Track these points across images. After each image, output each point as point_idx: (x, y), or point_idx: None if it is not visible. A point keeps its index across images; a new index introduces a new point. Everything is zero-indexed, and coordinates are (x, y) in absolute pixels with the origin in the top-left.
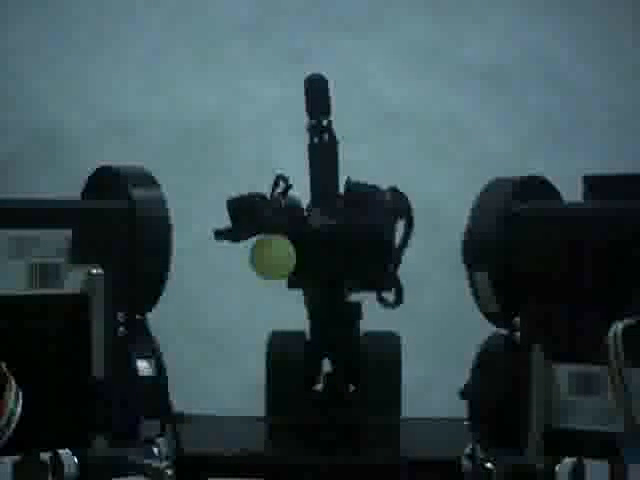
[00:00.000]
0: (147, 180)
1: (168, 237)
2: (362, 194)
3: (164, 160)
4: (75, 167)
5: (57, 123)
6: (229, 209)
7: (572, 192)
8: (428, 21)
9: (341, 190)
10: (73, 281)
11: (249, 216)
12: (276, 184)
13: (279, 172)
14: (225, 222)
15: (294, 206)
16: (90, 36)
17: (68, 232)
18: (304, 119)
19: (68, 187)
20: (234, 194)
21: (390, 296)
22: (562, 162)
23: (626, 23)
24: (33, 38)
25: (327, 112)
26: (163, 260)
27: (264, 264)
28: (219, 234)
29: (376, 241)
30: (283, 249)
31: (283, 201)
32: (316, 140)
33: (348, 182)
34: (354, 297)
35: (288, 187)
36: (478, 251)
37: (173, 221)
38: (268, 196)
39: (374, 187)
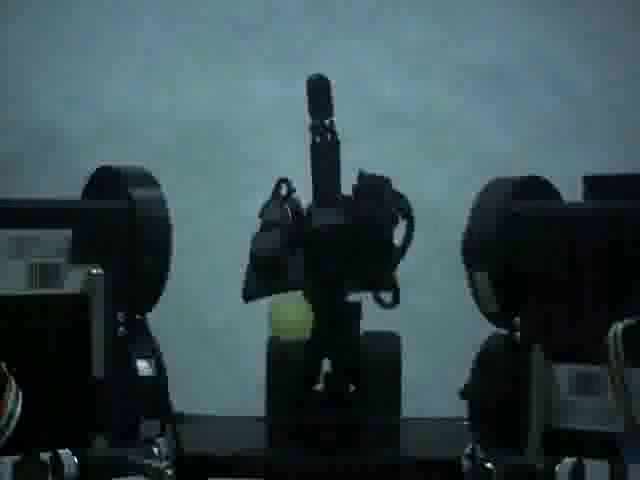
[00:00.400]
0: (147, 180)
1: (168, 237)
2: (372, 185)
3: (164, 160)
4: (75, 167)
5: (57, 123)
6: (252, 262)
7: (572, 192)
8: (428, 21)
9: (345, 187)
10: (73, 281)
11: (274, 274)
12: (278, 187)
13: (282, 175)
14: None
15: (295, 208)
16: (90, 36)
17: (68, 232)
18: (305, 119)
19: (68, 187)
20: (258, 245)
21: (387, 296)
22: (562, 162)
23: (626, 23)
24: (33, 38)
25: (329, 112)
26: (163, 260)
27: (280, 328)
28: (248, 297)
29: (377, 241)
30: (299, 314)
31: (286, 204)
32: (318, 140)
33: (360, 174)
34: (354, 297)
35: (291, 191)
36: (478, 251)
37: (173, 221)
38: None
39: (382, 178)
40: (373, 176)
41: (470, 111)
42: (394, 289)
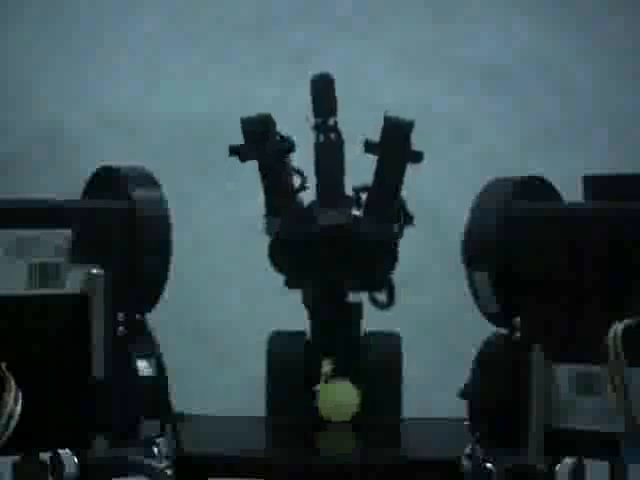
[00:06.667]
0: (147, 180)
1: (168, 237)
2: (399, 128)
3: (164, 160)
4: (75, 167)
5: (57, 123)
6: (243, 127)
7: (572, 192)
8: (428, 21)
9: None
10: (73, 281)
11: (261, 136)
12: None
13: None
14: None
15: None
16: (90, 36)
17: (68, 232)
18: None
19: (68, 187)
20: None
21: (382, 297)
22: (562, 162)
23: (626, 23)
24: (33, 38)
25: (333, 111)
26: (163, 260)
27: (328, 409)
28: (234, 151)
29: (380, 242)
30: (347, 396)
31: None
32: (322, 139)
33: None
34: (355, 297)
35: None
36: (478, 251)
37: (173, 221)
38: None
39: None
40: (399, 119)
41: (470, 111)
42: (389, 289)
